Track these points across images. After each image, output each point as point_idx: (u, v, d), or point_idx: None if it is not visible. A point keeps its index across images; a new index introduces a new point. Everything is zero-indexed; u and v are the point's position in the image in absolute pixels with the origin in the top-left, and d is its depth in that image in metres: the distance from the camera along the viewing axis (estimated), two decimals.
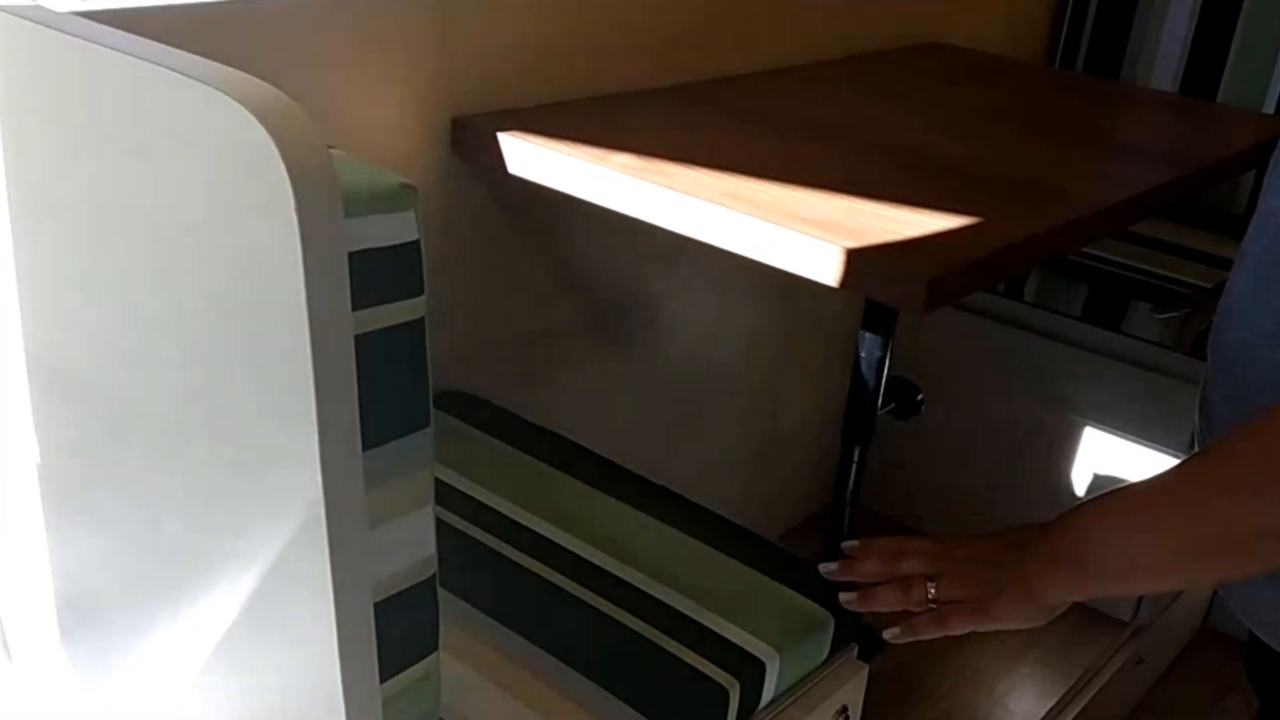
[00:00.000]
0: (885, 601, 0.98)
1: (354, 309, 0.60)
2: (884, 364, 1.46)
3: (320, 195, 0.54)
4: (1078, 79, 2.00)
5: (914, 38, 1.87)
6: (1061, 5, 2.17)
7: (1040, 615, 0.91)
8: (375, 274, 0.61)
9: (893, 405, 1.59)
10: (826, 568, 1.03)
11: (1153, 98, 1.90)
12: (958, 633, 0.94)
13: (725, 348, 1.76)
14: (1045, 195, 1.24)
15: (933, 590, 0.94)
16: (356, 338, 0.60)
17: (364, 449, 0.63)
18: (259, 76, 1.04)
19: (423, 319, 0.65)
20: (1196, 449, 0.94)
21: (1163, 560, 0.81)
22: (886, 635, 0.98)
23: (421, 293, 0.64)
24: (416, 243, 0.63)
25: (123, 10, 0.96)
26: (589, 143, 1.20)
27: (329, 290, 0.56)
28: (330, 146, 0.64)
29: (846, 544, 1.02)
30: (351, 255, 0.58)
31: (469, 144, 1.24)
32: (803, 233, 1.05)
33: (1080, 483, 1.88)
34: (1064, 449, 1.87)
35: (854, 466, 1.54)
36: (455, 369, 1.35)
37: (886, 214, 1.11)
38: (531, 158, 1.19)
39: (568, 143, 1.19)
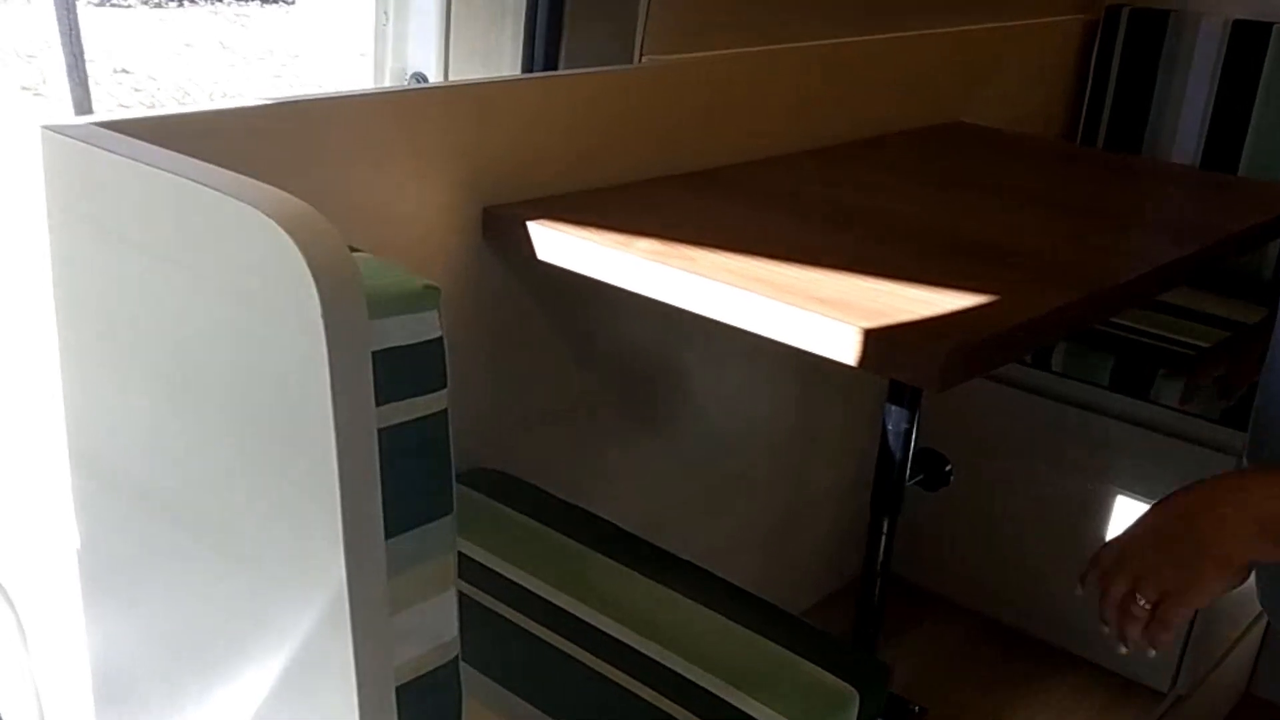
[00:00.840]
0: (1122, 629, 1.02)
1: (378, 404, 0.63)
2: (911, 436, 1.48)
3: (345, 300, 0.57)
4: (1099, 155, 2.03)
5: (935, 118, 1.90)
6: (1082, 82, 2.21)
7: (1240, 576, 0.95)
8: (399, 371, 0.64)
9: (921, 476, 1.60)
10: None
11: (1174, 171, 1.92)
12: (1183, 622, 0.98)
13: (752, 419, 1.78)
14: (1064, 271, 1.25)
15: (1142, 601, 0.98)
16: (380, 431, 0.63)
17: (387, 537, 0.65)
18: (302, 175, 1.10)
19: (445, 411, 0.68)
20: None
21: None
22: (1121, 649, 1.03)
23: (443, 386, 0.67)
24: (439, 340, 0.66)
25: (173, 115, 1.02)
26: (613, 229, 1.24)
27: (353, 388, 0.59)
28: (357, 250, 0.68)
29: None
30: (376, 354, 0.61)
31: (500, 232, 1.28)
32: (821, 314, 1.07)
33: None
34: (1094, 517, 1.86)
35: (883, 538, 1.55)
36: (486, 447, 1.38)
37: (904, 294, 1.14)
38: (559, 244, 1.23)
39: (593, 229, 1.23)
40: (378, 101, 1.16)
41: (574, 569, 1.18)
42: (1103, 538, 1.86)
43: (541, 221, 1.24)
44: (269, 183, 1.08)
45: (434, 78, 1.35)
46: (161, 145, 0.77)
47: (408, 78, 1.35)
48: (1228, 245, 1.44)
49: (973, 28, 1.94)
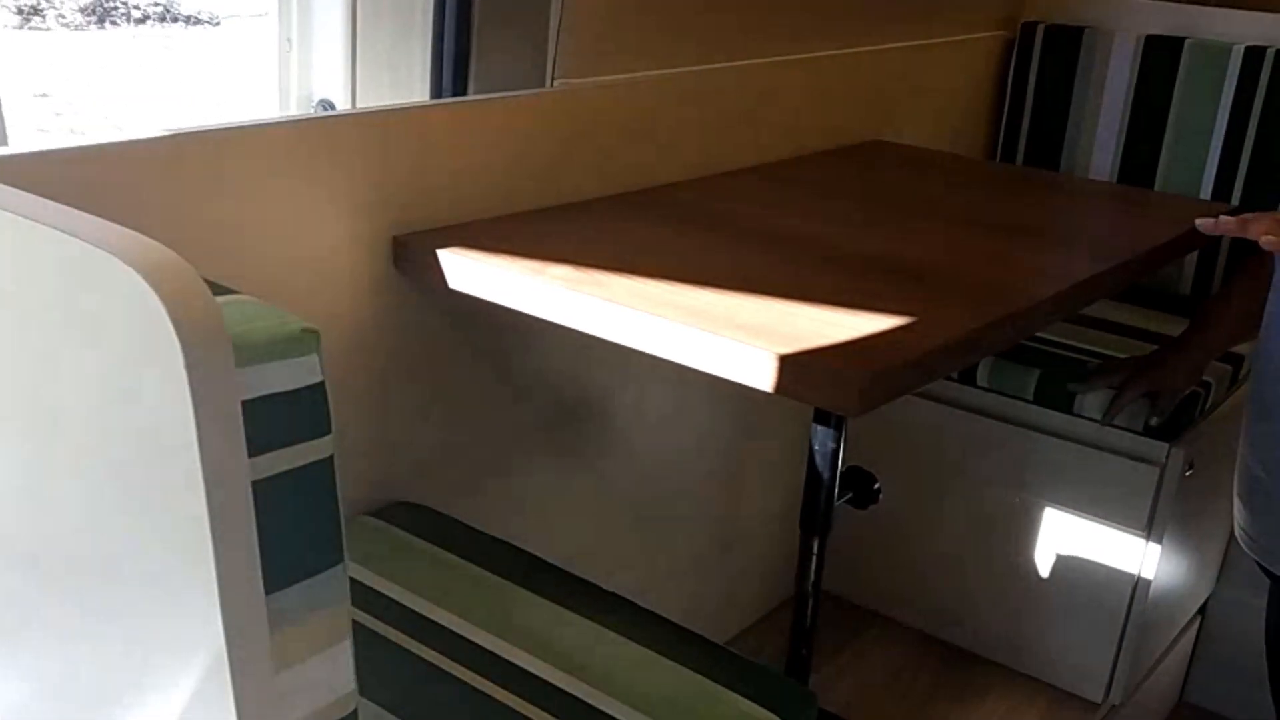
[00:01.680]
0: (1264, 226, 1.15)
1: (254, 454, 0.60)
2: (838, 455, 1.47)
3: (210, 348, 0.54)
4: (1017, 171, 2.05)
5: (855, 136, 1.91)
6: (1000, 99, 2.23)
7: None
8: (276, 418, 0.61)
9: (850, 495, 1.60)
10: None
11: (1091, 187, 1.94)
12: None
13: (680, 443, 1.76)
14: (983, 290, 1.25)
15: None
16: (256, 483, 0.60)
17: (269, 592, 0.62)
18: (198, 210, 1.06)
19: (330, 458, 0.65)
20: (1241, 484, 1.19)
21: None
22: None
23: (327, 432, 0.64)
24: (320, 384, 0.63)
25: (54, 151, 0.98)
26: (527, 255, 1.21)
27: (221, 441, 0.56)
28: (234, 292, 0.65)
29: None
30: (249, 403, 0.59)
31: (410, 261, 1.25)
32: (737, 340, 1.05)
33: (1043, 563, 1.87)
34: (1024, 530, 1.87)
35: (814, 559, 1.54)
36: (403, 480, 1.35)
37: (822, 317, 1.13)
38: (471, 273, 1.20)
39: (507, 256, 1.21)
40: (279, 131, 1.13)
41: (494, 604, 1.15)
42: (1031, 551, 1.87)
43: (452, 249, 1.21)
44: (165, 220, 1.06)
45: (341, 103, 1.32)
46: (40, 183, 0.74)
47: (314, 104, 1.32)
48: (1146, 260, 1.45)
49: (891, 46, 1.95)
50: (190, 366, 0.54)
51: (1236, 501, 1.25)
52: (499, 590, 1.17)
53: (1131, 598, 1.78)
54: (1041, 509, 1.85)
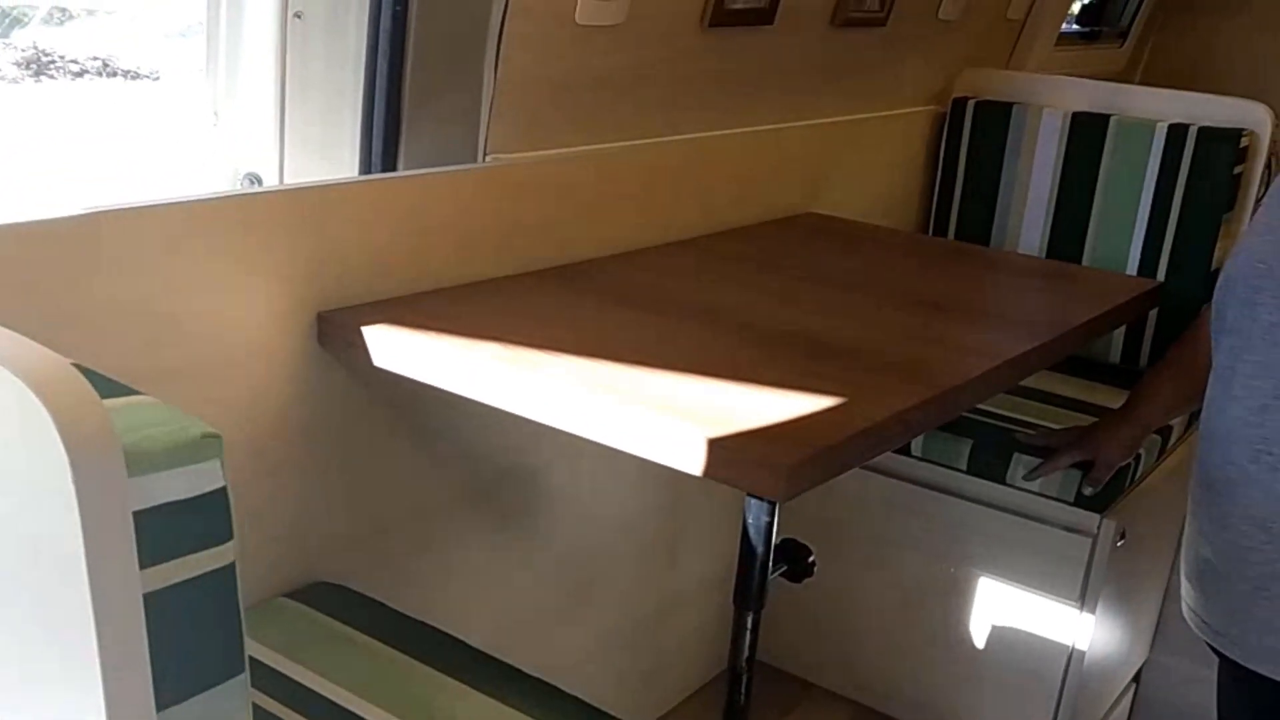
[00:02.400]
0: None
1: (149, 564, 0.57)
2: (772, 529, 1.45)
3: (99, 460, 0.52)
4: (949, 245, 2.07)
5: (788, 209, 1.92)
6: (932, 173, 2.26)
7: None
8: (173, 527, 0.59)
9: (784, 568, 1.59)
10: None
11: (1021, 262, 1.97)
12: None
13: (612, 516, 1.74)
14: (912, 369, 1.26)
15: None
16: (150, 595, 0.57)
17: (163, 707, 0.60)
18: (114, 288, 1.04)
19: (231, 564, 0.63)
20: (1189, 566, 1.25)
21: None
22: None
23: (229, 539, 0.62)
24: (222, 490, 0.61)
25: None
26: (455, 332, 1.20)
27: (111, 553, 0.54)
28: (136, 393, 0.63)
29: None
30: (143, 513, 0.56)
31: (333, 338, 1.23)
32: (666, 423, 1.04)
33: (978, 632, 1.87)
34: (958, 600, 1.87)
35: (747, 634, 1.52)
36: (324, 560, 1.32)
37: (751, 397, 1.12)
38: (396, 350, 1.18)
39: (434, 333, 1.19)
40: (201, 208, 1.11)
41: (411, 690, 1.12)
42: (965, 619, 1.87)
43: (378, 326, 1.19)
44: (81, 301, 1.03)
45: (269, 176, 1.31)
46: None
47: (240, 178, 1.30)
48: (1074, 336, 1.47)
49: (824, 121, 1.98)
50: (78, 478, 0.52)
51: (1185, 583, 1.25)
52: (415, 675, 1.14)
53: (1066, 668, 1.79)
54: (975, 579, 1.86)
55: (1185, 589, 1.25)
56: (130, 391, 0.62)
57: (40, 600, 0.58)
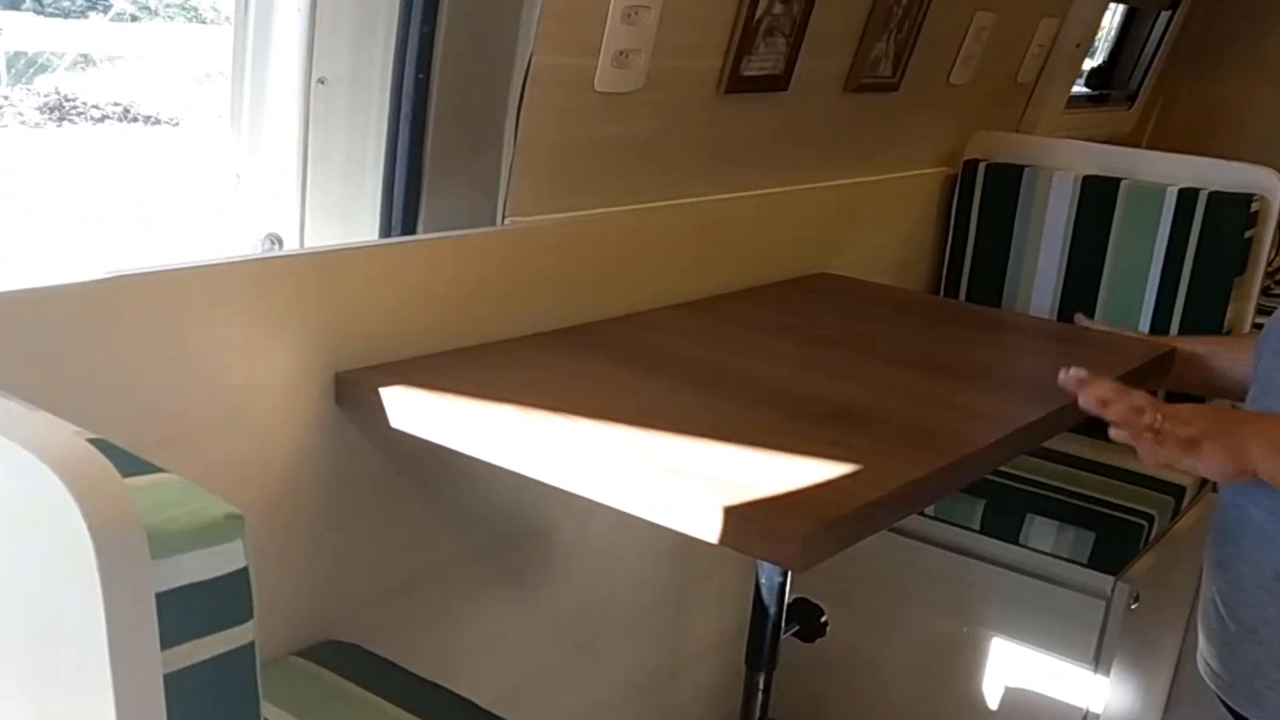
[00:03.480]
0: (1118, 412, 1.15)
1: (168, 646, 0.58)
2: (785, 589, 1.45)
3: (122, 544, 0.53)
4: (960, 308, 2.08)
5: (802, 269, 1.94)
6: (943, 234, 2.28)
7: (1234, 473, 1.11)
8: (194, 608, 0.59)
9: (797, 628, 1.58)
10: (1066, 375, 1.22)
11: (1033, 325, 1.97)
12: (1167, 460, 1.12)
13: (623, 574, 1.74)
14: (926, 437, 1.26)
15: (1160, 419, 1.12)
16: (170, 675, 0.58)
17: None
18: (136, 349, 1.05)
19: (251, 644, 0.63)
20: (1205, 621, 1.19)
21: None
22: (1112, 434, 1.16)
23: (249, 618, 0.62)
24: (243, 570, 0.61)
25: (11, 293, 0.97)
26: (472, 394, 1.21)
27: (133, 636, 0.54)
28: (159, 470, 0.64)
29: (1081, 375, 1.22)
30: (165, 594, 0.57)
31: (352, 399, 1.24)
32: (681, 489, 1.05)
33: (991, 694, 1.86)
34: (972, 661, 1.86)
35: (759, 695, 1.52)
36: (337, 619, 1.32)
37: (765, 464, 1.12)
38: (412, 412, 1.19)
39: (451, 395, 1.20)
40: (223, 271, 1.13)
41: None
42: (979, 681, 1.86)
43: (395, 387, 1.20)
44: (101, 364, 1.04)
45: (290, 238, 1.32)
46: None
47: (262, 238, 1.32)
48: None
49: (838, 183, 1.99)
50: (102, 561, 0.53)
51: (1202, 636, 1.25)
52: None
53: None
54: (989, 640, 1.84)
55: (1202, 641, 1.25)
56: (152, 469, 0.63)
57: (60, 681, 0.58)
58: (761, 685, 1.50)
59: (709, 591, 1.92)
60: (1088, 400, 1.19)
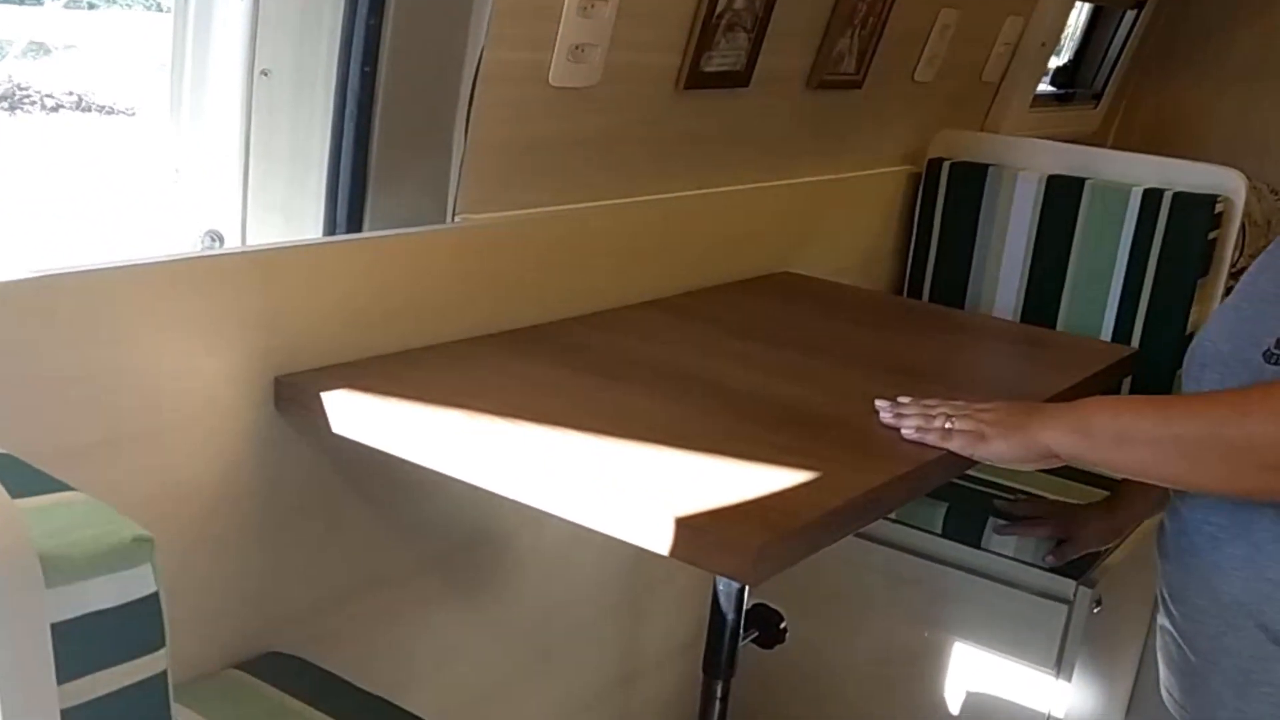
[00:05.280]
0: (911, 424, 1.21)
1: (69, 678, 0.54)
2: (743, 596, 1.43)
3: (10, 574, 0.48)
4: (923, 308, 2.06)
5: (763, 268, 1.91)
6: (907, 233, 2.26)
7: (1029, 457, 1.17)
8: (98, 637, 0.55)
9: (756, 634, 1.55)
10: (879, 404, 1.27)
11: (996, 327, 1.95)
12: (955, 449, 1.19)
13: (579, 581, 1.71)
14: (885, 443, 1.23)
15: (950, 424, 1.20)
16: (69, 710, 0.54)
17: None
18: (60, 352, 1.00)
19: (164, 673, 0.59)
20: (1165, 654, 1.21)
21: (1142, 437, 1.09)
22: (904, 432, 1.21)
23: (162, 646, 0.59)
24: (154, 596, 0.58)
25: None
26: (418, 398, 1.17)
27: (24, 669, 0.50)
28: (69, 489, 0.60)
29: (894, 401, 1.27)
30: (64, 624, 0.53)
31: (292, 403, 1.19)
32: (631, 501, 1.01)
33: (953, 699, 1.84)
34: (933, 666, 1.84)
35: (716, 703, 1.49)
36: (278, 630, 1.27)
37: (719, 470, 1.09)
38: (355, 417, 1.15)
39: (395, 399, 1.16)
40: (157, 270, 1.08)
41: None
42: (941, 686, 1.84)
43: (338, 390, 1.16)
44: (31, 367, 0.99)
45: (231, 235, 1.28)
46: None
47: (202, 235, 1.27)
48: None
49: (800, 181, 1.97)
50: None
51: (1162, 666, 1.23)
52: None
53: None
54: (950, 644, 1.83)
55: (1164, 674, 1.24)
56: (59, 486, 0.59)
57: None
58: (719, 694, 1.47)
59: (667, 598, 1.89)
60: (901, 425, 1.23)
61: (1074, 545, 1.68)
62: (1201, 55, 3.13)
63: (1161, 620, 1.22)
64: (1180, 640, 1.17)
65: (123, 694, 0.57)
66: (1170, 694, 1.22)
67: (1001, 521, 1.75)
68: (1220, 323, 1.17)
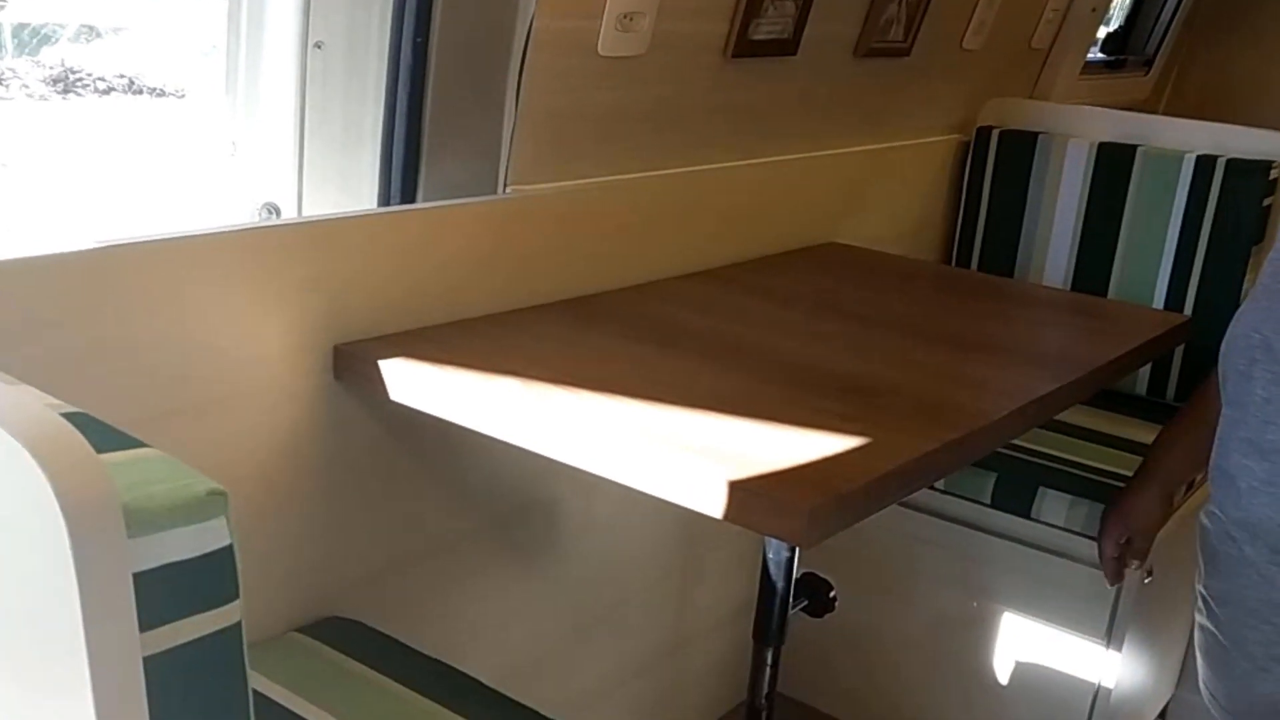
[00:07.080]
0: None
1: (149, 627, 0.56)
2: (793, 563, 1.43)
3: (96, 522, 0.50)
4: (972, 277, 2.04)
5: (811, 238, 1.90)
6: (955, 202, 2.24)
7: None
8: (176, 588, 0.57)
9: (805, 603, 1.56)
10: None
11: (1046, 295, 1.93)
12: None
13: (630, 548, 1.72)
14: (937, 410, 1.23)
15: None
16: (151, 658, 0.56)
17: None
18: (126, 322, 1.03)
19: (238, 624, 0.61)
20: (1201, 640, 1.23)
21: None
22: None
23: (235, 598, 0.60)
24: (228, 548, 0.59)
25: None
26: (474, 366, 1.18)
27: (109, 618, 0.52)
28: (143, 445, 0.61)
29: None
30: (144, 574, 0.55)
31: (351, 371, 1.21)
32: (686, 463, 1.02)
33: (1001, 669, 1.84)
34: (983, 635, 1.84)
35: (767, 670, 1.50)
36: (337, 595, 1.30)
37: (772, 436, 1.10)
38: (413, 385, 1.17)
39: (451, 367, 1.18)
40: (217, 240, 1.10)
41: None
42: (989, 656, 1.84)
43: (395, 359, 1.18)
44: (94, 336, 1.02)
45: (288, 206, 1.29)
46: None
47: (259, 208, 1.29)
48: (1101, 374, 1.44)
49: (848, 150, 1.96)
50: (75, 541, 0.50)
51: (1203, 665, 1.22)
52: (426, 714, 1.12)
53: (1092, 705, 1.75)
54: (1000, 614, 1.82)
55: (1200, 662, 1.22)
56: (134, 443, 0.61)
57: (37, 666, 0.56)
58: (770, 660, 1.48)
59: (716, 566, 1.90)
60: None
61: (1139, 539, 1.62)
62: (1254, 20, 3.07)
63: (1202, 618, 1.20)
64: (1225, 642, 1.15)
65: (201, 643, 0.59)
66: (1213, 695, 1.20)
67: (1051, 492, 1.73)
68: (1262, 311, 1.13)
